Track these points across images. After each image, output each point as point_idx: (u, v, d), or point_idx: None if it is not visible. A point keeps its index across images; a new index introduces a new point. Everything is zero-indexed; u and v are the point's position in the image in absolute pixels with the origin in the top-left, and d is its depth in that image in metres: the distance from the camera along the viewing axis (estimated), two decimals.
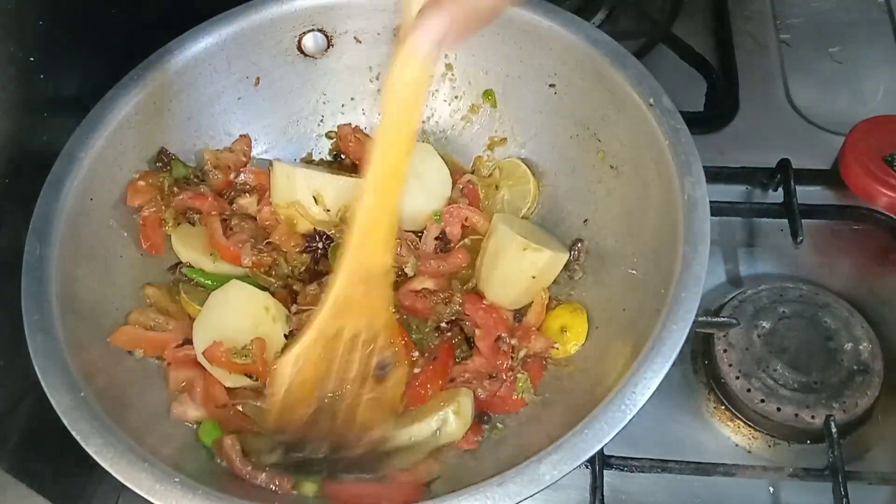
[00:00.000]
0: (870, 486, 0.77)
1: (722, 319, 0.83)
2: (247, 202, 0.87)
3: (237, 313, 0.78)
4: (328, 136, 0.95)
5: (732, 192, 0.99)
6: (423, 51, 0.57)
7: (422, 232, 0.87)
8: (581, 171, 0.86)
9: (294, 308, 0.80)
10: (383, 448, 0.74)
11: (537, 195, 0.89)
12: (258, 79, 0.89)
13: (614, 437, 0.59)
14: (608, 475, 0.78)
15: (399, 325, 0.78)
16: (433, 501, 0.58)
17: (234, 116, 0.90)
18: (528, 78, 0.87)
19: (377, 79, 0.93)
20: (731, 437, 0.84)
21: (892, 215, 0.93)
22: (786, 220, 0.92)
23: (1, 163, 0.73)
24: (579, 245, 0.83)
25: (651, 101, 0.75)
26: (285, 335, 0.78)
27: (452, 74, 0.92)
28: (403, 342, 0.77)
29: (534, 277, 0.80)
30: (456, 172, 0.91)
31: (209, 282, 0.83)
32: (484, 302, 0.81)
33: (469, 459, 0.74)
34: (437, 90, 0.93)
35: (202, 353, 0.76)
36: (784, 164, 0.96)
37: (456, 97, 0.93)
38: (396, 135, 0.62)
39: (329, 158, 0.96)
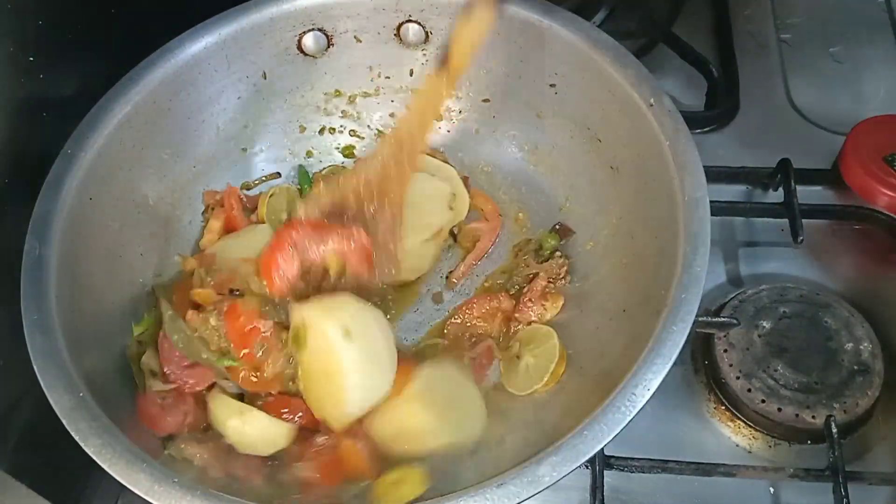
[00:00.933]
0: (870, 486, 0.77)
1: (722, 319, 0.83)
2: None
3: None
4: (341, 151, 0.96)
5: (732, 192, 0.99)
6: None
7: None
8: (581, 172, 0.86)
9: None
10: None
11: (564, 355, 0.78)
12: (264, 73, 0.89)
13: (613, 438, 0.59)
14: (608, 475, 0.77)
15: None
16: (433, 502, 0.58)
17: (234, 116, 0.90)
18: (528, 78, 0.87)
19: (378, 77, 0.93)
20: (731, 437, 0.84)
21: (892, 215, 0.93)
22: (786, 220, 0.92)
23: (1, 163, 0.73)
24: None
25: (651, 101, 0.75)
26: None
27: None
28: None
29: None
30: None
31: None
32: None
33: (468, 460, 0.74)
34: None
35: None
36: (784, 163, 0.95)
37: (457, 97, 0.93)
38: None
39: (337, 163, 0.96)
